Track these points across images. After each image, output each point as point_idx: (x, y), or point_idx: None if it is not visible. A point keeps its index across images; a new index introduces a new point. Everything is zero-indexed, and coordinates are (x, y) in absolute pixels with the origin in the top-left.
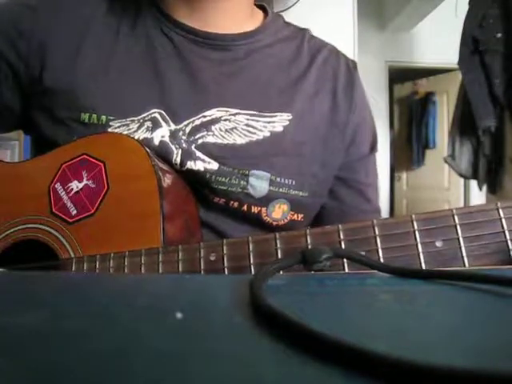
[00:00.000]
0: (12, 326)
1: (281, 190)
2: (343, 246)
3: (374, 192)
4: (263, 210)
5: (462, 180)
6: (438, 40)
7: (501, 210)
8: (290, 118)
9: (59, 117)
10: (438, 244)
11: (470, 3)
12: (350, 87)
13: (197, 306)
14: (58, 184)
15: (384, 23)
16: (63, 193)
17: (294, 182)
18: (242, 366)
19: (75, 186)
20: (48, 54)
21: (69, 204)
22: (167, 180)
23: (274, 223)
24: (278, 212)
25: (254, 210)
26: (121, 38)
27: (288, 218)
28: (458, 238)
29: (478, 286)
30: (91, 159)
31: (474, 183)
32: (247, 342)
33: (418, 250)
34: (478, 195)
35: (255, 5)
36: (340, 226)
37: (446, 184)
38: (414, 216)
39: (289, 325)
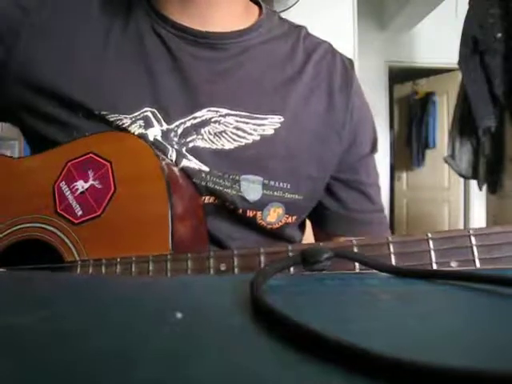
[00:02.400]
0: (12, 326)
1: (275, 193)
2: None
3: (376, 191)
4: (258, 214)
5: (462, 180)
6: (438, 40)
7: None
8: (282, 120)
9: (51, 114)
10: (453, 264)
11: (469, 3)
12: (346, 86)
13: (197, 306)
14: (63, 183)
15: (384, 23)
16: (68, 192)
17: (288, 186)
18: (242, 366)
19: (81, 185)
20: (38, 50)
21: (74, 204)
22: (176, 181)
23: (268, 226)
24: (273, 216)
25: (249, 213)
26: (113, 34)
27: (282, 221)
28: (474, 260)
29: (477, 285)
30: (98, 158)
31: (474, 183)
32: (247, 342)
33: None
34: (478, 195)
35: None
36: (354, 241)
37: (446, 184)
38: (429, 234)
39: (289, 325)
